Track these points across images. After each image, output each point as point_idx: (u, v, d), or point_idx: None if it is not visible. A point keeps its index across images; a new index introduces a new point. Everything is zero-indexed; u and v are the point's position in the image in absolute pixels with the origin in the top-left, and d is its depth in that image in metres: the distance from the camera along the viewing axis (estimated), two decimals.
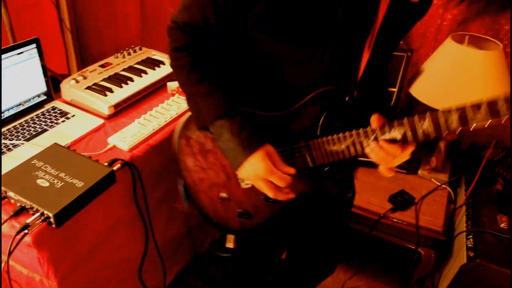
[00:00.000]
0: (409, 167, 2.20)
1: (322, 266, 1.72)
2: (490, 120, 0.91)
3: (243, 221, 1.33)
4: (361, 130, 1.08)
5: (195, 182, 1.37)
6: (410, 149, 1.05)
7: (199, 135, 1.31)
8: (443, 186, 2.11)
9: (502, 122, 0.91)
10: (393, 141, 1.04)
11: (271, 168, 1.09)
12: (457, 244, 1.87)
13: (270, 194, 1.12)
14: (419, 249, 1.99)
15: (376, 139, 1.06)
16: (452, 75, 1.84)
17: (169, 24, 1.15)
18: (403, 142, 1.03)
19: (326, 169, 1.23)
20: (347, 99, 1.18)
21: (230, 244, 1.40)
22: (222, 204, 1.35)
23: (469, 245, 1.72)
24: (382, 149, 1.05)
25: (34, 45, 1.61)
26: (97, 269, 1.50)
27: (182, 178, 1.40)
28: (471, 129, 0.93)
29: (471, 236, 1.75)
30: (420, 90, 1.96)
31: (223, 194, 1.33)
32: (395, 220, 1.95)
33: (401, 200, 2.00)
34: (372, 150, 1.06)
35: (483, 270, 1.64)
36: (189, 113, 1.31)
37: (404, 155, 1.06)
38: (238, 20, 1.09)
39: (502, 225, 1.77)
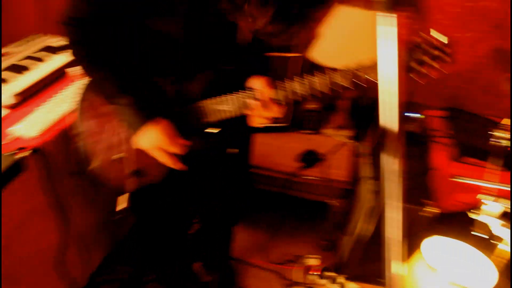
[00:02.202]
0: (316, 127, 2.33)
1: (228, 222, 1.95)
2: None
3: (135, 180, 1.39)
4: (246, 91, 1.28)
5: (93, 144, 1.39)
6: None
7: (97, 98, 1.35)
8: (348, 141, 2.27)
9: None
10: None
11: (167, 139, 1.26)
12: (364, 190, 2.04)
13: (167, 162, 1.29)
14: (332, 201, 2.14)
15: (257, 98, 1.24)
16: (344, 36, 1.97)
17: (62, 19, 1.22)
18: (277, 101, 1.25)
19: (217, 130, 1.39)
20: (229, 67, 1.39)
21: (122, 205, 1.43)
22: (116, 164, 1.39)
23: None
24: (265, 104, 1.24)
25: None
26: (14, 263, 1.45)
27: (80, 140, 1.40)
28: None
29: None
30: (318, 53, 2.08)
31: (118, 155, 1.38)
32: (307, 177, 2.08)
33: (310, 159, 2.13)
34: (257, 105, 1.25)
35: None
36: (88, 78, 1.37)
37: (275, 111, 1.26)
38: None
39: None
